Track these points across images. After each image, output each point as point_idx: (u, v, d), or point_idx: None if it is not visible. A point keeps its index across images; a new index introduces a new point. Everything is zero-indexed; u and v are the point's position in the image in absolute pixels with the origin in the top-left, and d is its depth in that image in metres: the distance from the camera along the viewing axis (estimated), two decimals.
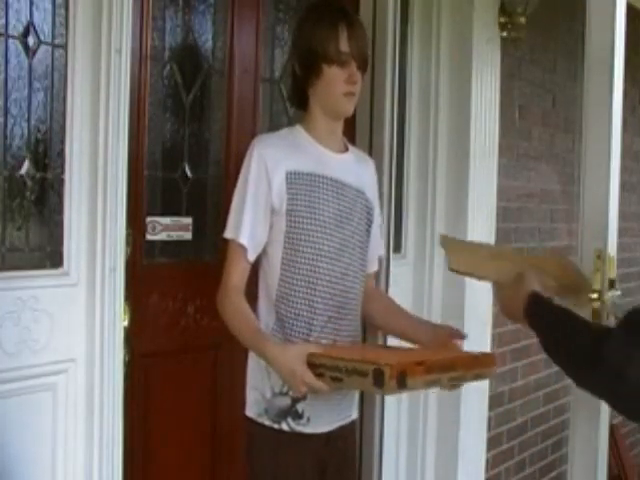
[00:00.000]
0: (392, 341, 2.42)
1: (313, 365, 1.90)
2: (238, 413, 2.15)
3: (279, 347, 1.98)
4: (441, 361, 1.95)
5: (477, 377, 2.08)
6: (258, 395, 2.08)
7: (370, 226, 2.22)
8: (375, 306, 2.29)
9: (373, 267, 2.33)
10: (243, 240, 2.05)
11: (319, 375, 1.89)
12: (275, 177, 2.05)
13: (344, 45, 2.06)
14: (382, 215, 2.41)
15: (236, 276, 2.07)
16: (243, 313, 2.05)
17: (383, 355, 2.03)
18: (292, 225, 2.06)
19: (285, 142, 2.13)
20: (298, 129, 2.17)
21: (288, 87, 2.23)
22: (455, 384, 2.02)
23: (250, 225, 2.05)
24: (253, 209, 2.05)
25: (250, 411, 2.10)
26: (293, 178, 2.07)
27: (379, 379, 1.80)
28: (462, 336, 2.16)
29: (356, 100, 2.13)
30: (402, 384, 1.81)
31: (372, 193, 2.25)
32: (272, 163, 2.05)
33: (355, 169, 2.20)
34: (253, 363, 2.09)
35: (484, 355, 2.13)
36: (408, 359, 1.92)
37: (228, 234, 2.08)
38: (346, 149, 2.22)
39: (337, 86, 2.08)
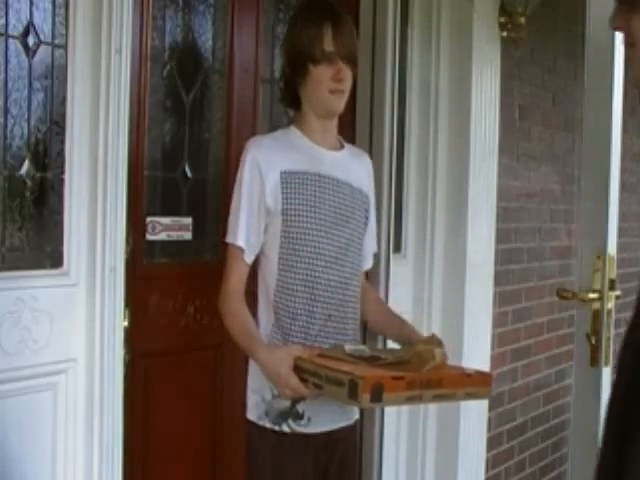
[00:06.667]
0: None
1: (300, 369, 1.89)
2: (238, 413, 2.15)
3: (267, 349, 1.99)
4: (424, 377, 1.82)
5: (470, 396, 1.94)
6: (258, 398, 2.08)
7: (367, 224, 2.23)
8: (367, 307, 2.28)
9: (367, 265, 2.32)
10: (239, 242, 2.07)
11: (304, 380, 1.88)
12: (269, 177, 2.05)
13: (329, 45, 2.06)
14: (378, 212, 2.39)
15: (235, 279, 2.08)
16: (240, 317, 2.06)
17: (370, 367, 1.87)
18: (288, 224, 2.07)
19: (279, 143, 2.13)
20: (292, 129, 2.17)
21: (280, 88, 2.24)
22: (444, 401, 1.96)
23: (246, 227, 2.06)
24: (248, 211, 2.06)
25: (251, 414, 2.10)
26: (288, 177, 2.07)
27: (353, 391, 1.75)
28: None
29: (346, 97, 2.13)
30: (377, 398, 1.75)
31: (369, 188, 2.26)
32: (265, 164, 2.06)
33: (351, 166, 2.20)
34: (253, 366, 2.09)
35: (479, 373, 1.98)
36: (389, 373, 1.81)
37: (227, 238, 2.10)
38: (342, 147, 2.22)
39: (324, 84, 2.08)
